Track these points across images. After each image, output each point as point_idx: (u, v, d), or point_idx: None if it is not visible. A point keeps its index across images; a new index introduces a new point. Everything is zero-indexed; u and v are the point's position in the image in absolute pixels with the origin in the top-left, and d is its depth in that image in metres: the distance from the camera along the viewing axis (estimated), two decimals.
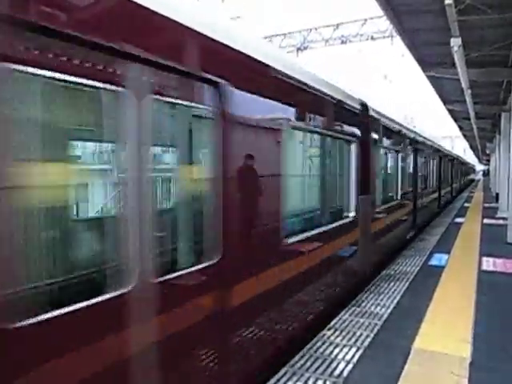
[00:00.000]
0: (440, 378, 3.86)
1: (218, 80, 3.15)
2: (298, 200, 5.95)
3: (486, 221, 14.87)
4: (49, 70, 2.10)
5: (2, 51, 1.87)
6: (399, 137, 10.43)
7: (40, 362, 2.03)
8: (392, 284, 6.91)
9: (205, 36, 3.09)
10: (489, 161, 52.96)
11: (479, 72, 12.36)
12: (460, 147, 60.36)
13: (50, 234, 3.20)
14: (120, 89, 2.43)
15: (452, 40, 8.67)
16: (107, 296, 2.35)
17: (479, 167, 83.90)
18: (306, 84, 4.75)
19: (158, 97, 2.70)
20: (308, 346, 4.49)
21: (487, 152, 45.31)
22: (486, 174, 62.85)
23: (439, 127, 49.27)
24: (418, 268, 7.99)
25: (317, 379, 3.80)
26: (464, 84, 12.10)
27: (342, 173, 6.40)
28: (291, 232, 4.54)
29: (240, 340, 3.55)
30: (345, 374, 3.91)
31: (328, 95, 5.43)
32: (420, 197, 13.59)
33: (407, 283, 6.95)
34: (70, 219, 3.87)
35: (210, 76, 3.07)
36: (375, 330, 4.93)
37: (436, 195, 18.35)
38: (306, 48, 20.45)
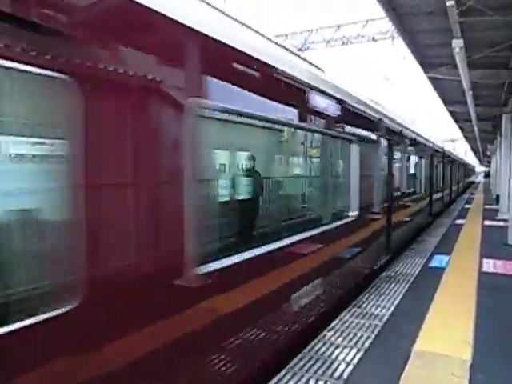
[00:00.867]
0: (440, 379, 3.86)
1: None
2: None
3: (486, 222, 14.86)
4: None
5: None
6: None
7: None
8: (392, 285, 6.90)
9: None
10: (490, 162, 52.90)
11: (481, 73, 12.36)
12: (461, 149, 60.26)
13: None
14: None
15: (454, 41, 8.67)
16: None
17: (480, 168, 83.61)
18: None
19: None
20: (308, 347, 4.48)
21: (488, 154, 45.28)
22: (488, 175, 62.68)
23: (441, 129, 49.27)
24: (419, 269, 7.98)
25: (317, 380, 3.79)
26: (465, 85, 12.09)
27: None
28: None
29: None
30: (345, 375, 3.90)
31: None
32: (397, 209, 9.79)
33: (408, 285, 6.94)
34: None
35: None
36: (376, 332, 4.92)
37: (426, 202, 15.08)
38: (307, 49, 20.45)
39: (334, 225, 5.70)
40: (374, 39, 19.80)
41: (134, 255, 2.52)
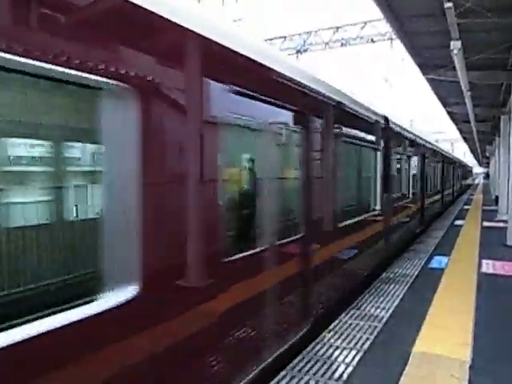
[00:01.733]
0: (440, 380, 3.86)
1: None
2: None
3: (485, 223, 14.88)
4: None
5: None
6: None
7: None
8: (392, 286, 6.90)
9: None
10: (488, 163, 52.95)
11: (479, 75, 12.39)
12: (460, 150, 60.27)
13: None
14: None
15: (452, 43, 8.71)
16: None
17: (479, 170, 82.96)
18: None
19: None
20: (308, 349, 4.48)
21: (487, 155, 45.35)
22: (487, 176, 62.41)
23: (440, 131, 49.29)
24: (418, 270, 7.99)
25: (317, 382, 3.80)
26: (464, 87, 12.13)
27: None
28: None
29: None
30: (344, 376, 3.90)
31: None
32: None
33: (407, 286, 6.95)
34: None
35: None
36: (375, 333, 4.93)
37: (411, 211, 11.76)
38: (305, 51, 20.49)
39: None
40: (372, 41, 19.85)
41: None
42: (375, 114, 7.73)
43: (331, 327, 5.11)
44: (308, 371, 3.99)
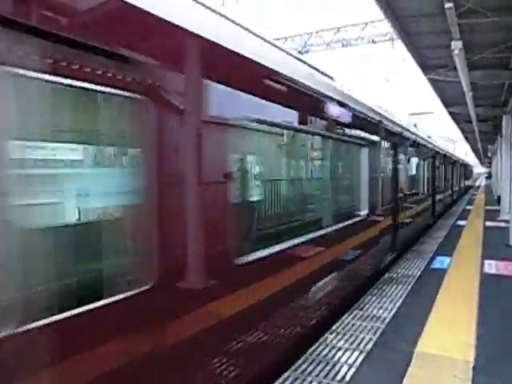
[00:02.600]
0: (443, 381, 3.85)
1: None
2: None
3: (487, 223, 14.85)
4: None
5: None
6: None
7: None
8: (394, 287, 6.89)
9: None
10: (490, 163, 52.80)
11: (480, 74, 12.36)
12: (462, 150, 60.09)
13: None
14: None
15: (453, 43, 8.69)
16: None
17: (481, 169, 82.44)
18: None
19: None
20: (311, 350, 4.48)
21: (489, 155, 45.26)
22: (490, 177, 61.95)
23: (441, 130, 49.21)
24: (421, 271, 7.98)
25: (320, 383, 3.80)
26: (465, 87, 12.11)
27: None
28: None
29: None
30: (347, 377, 3.90)
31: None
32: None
33: (410, 286, 6.94)
34: None
35: None
36: (378, 334, 4.92)
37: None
38: (307, 51, 20.50)
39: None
40: (373, 41, 19.86)
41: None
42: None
43: (334, 328, 5.10)
44: (311, 372, 3.99)
